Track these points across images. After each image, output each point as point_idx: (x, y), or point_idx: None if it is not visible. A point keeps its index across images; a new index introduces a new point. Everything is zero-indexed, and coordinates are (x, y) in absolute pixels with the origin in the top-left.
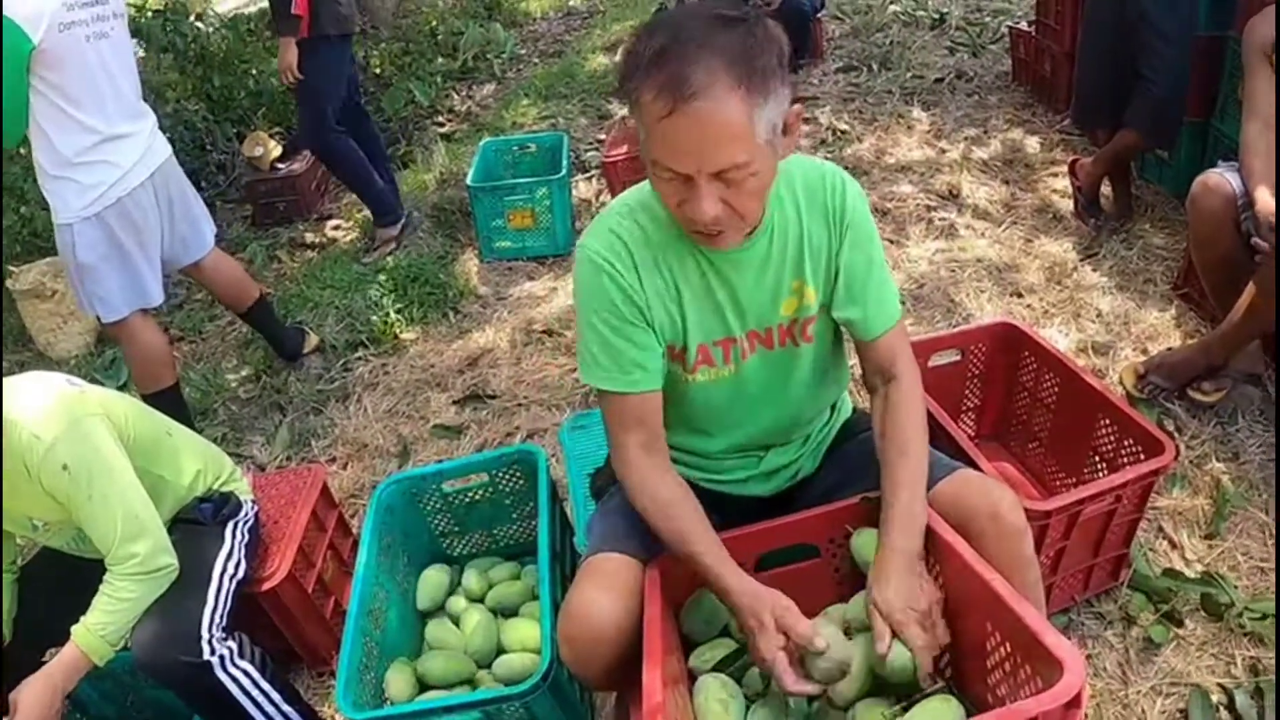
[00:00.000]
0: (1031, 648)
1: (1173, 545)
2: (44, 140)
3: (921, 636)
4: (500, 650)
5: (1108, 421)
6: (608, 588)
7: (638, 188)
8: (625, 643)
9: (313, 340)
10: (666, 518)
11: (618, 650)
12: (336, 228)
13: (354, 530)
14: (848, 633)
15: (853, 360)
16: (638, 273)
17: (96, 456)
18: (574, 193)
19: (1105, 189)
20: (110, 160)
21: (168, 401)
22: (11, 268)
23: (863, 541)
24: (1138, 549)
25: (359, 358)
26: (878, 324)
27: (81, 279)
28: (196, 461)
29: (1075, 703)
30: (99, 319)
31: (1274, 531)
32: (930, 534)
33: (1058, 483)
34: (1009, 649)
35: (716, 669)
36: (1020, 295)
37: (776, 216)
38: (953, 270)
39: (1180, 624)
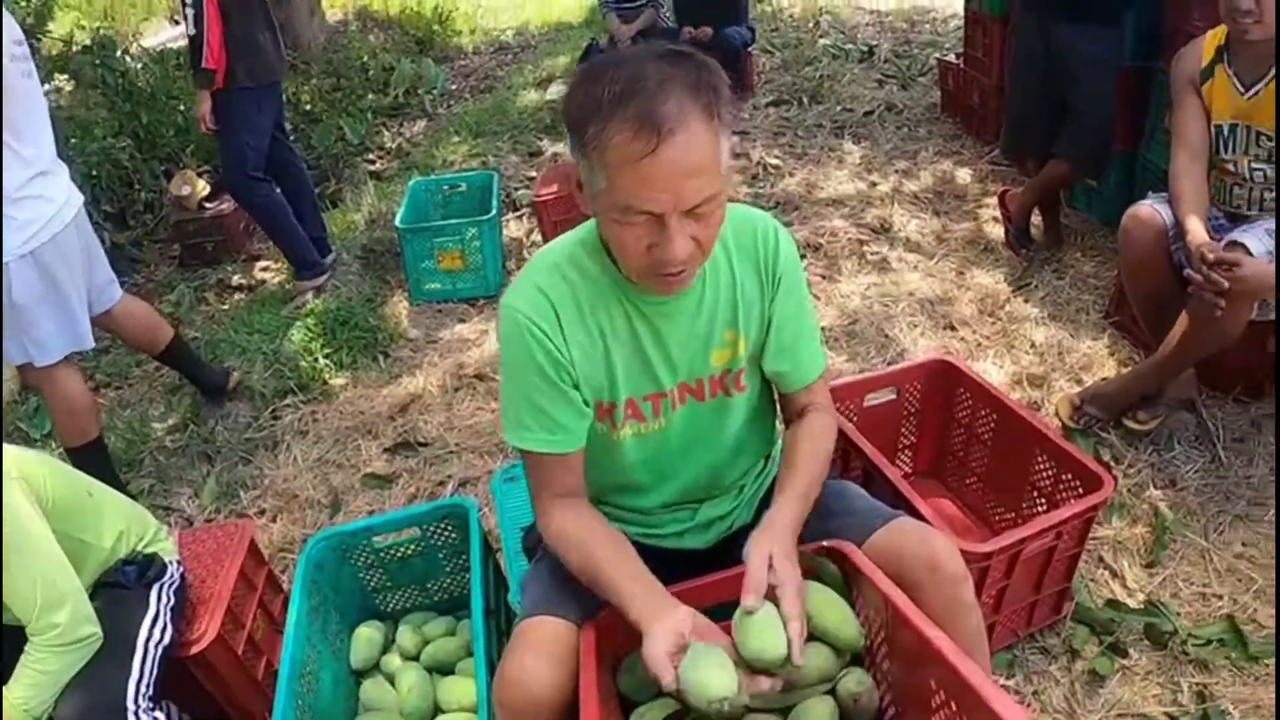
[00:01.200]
0: (977, 709)
1: (1114, 575)
2: None
3: (797, 605)
4: (437, 709)
5: (1044, 457)
6: (543, 653)
7: (563, 238)
8: (563, 707)
9: (235, 378)
10: (577, 549)
11: (556, 716)
12: (265, 269)
13: (284, 586)
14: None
15: None
16: (563, 333)
17: (13, 525)
18: (505, 232)
19: (1035, 219)
20: (45, 195)
21: (92, 455)
22: None
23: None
24: (1079, 581)
25: (288, 405)
26: (806, 376)
27: (17, 323)
28: (119, 522)
29: None
30: (29, 365)
31: (1212, 559)
32: (868, 585)
33: (997, 517)
34: (954, 708)
35: None
36: (954, 328)
37: (708, 264)
38: (886, 305)
39: (1125, 654)
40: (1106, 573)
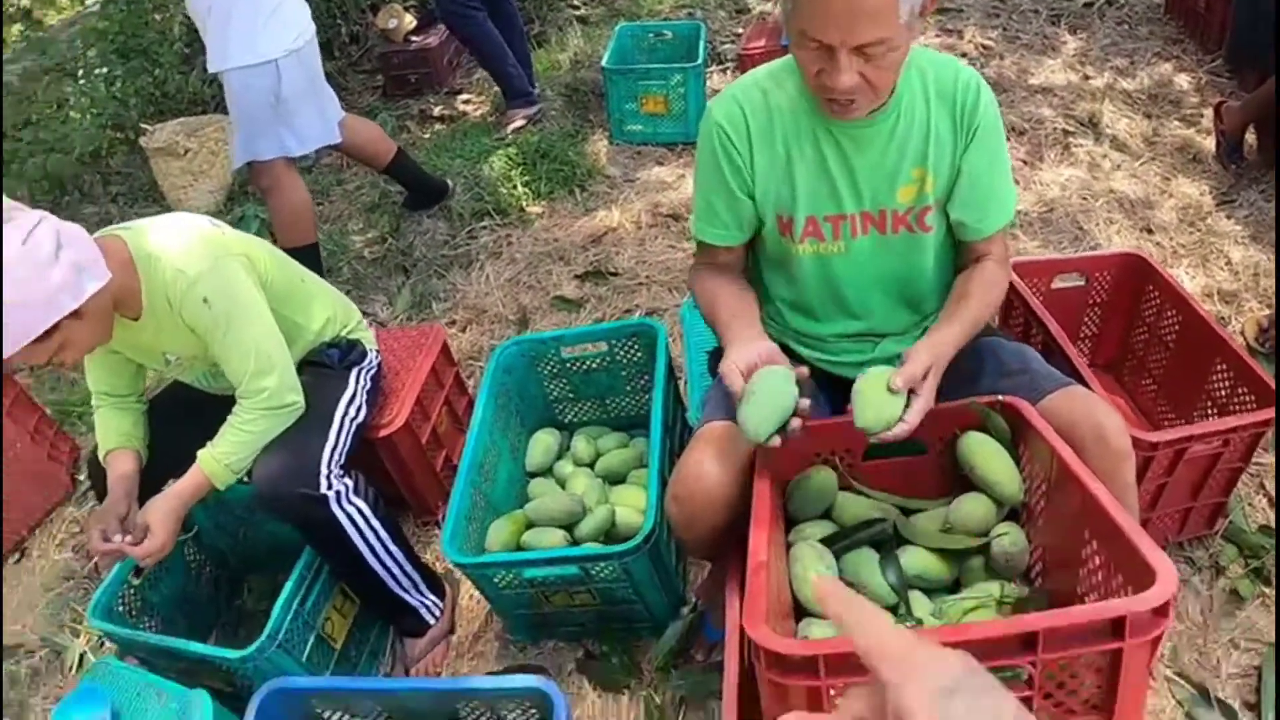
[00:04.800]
0: (1127, 557)
1: (1271, 503)
2: None
3: (927, 398)
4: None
5: (1224, 367)
6: (719, 454)
7: (773, 62)
8: (731, 510)
9: (453, 188)
10: (708, 293)
11: (723, 516)
12: (467, 102)
13: (469, 390)
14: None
15: None
16: (750, 144)
17: (236, 294)
18: (708, 83)
19: (1250, 136)
20: (300, 8)
21: (307, 258)
22: (145, 125)
23: (969, 446)
24: (1236, 501)
25: (484, 226)
26: (986, 229)
27: (283, 117)
28: (327, 309)
29: (1163, 611)
30: (263, 169)
31: None
32: (1036, 441)
33: (1166, 424)
34: (1104, 558)
35: None
36: (1150, 232)
37: (905, 101)
38: (1084, 199)
39: (1268, 582)
40: (1265, 499)
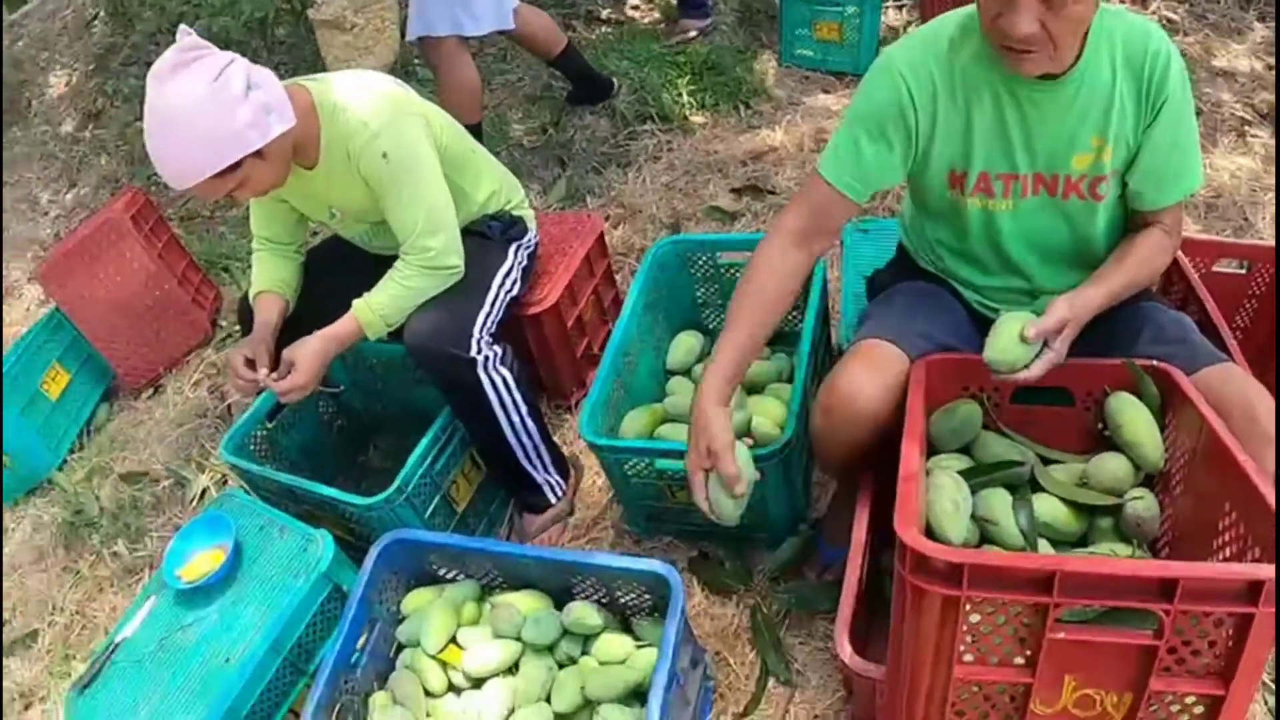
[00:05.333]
0: (1266, 531)
1: None
2: None
3: (1059, 351)
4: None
5: None
6: (874, 370)
7: (957, 12)
8: (876, 427)
9: (618, 87)
10: (742, 288)
11: (868, 431)
12: (635, 7)
13: (618, 285)
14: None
15: None
16: (934, 96)
17: (414, 151)
18: (883, 19)
19: None
20: None
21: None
22: None
23: (1117, 405)
24: None
25: (645, 130)
26: (1163, 200)
27: None
28: (493, 182)
29: None
30: (436, 45)
31: None
32: (1186, 410)
33: None
34: (1241, 531)
35: None
36: None
37: (1090, 68)
38: (1253, 190)
39: None
40: None
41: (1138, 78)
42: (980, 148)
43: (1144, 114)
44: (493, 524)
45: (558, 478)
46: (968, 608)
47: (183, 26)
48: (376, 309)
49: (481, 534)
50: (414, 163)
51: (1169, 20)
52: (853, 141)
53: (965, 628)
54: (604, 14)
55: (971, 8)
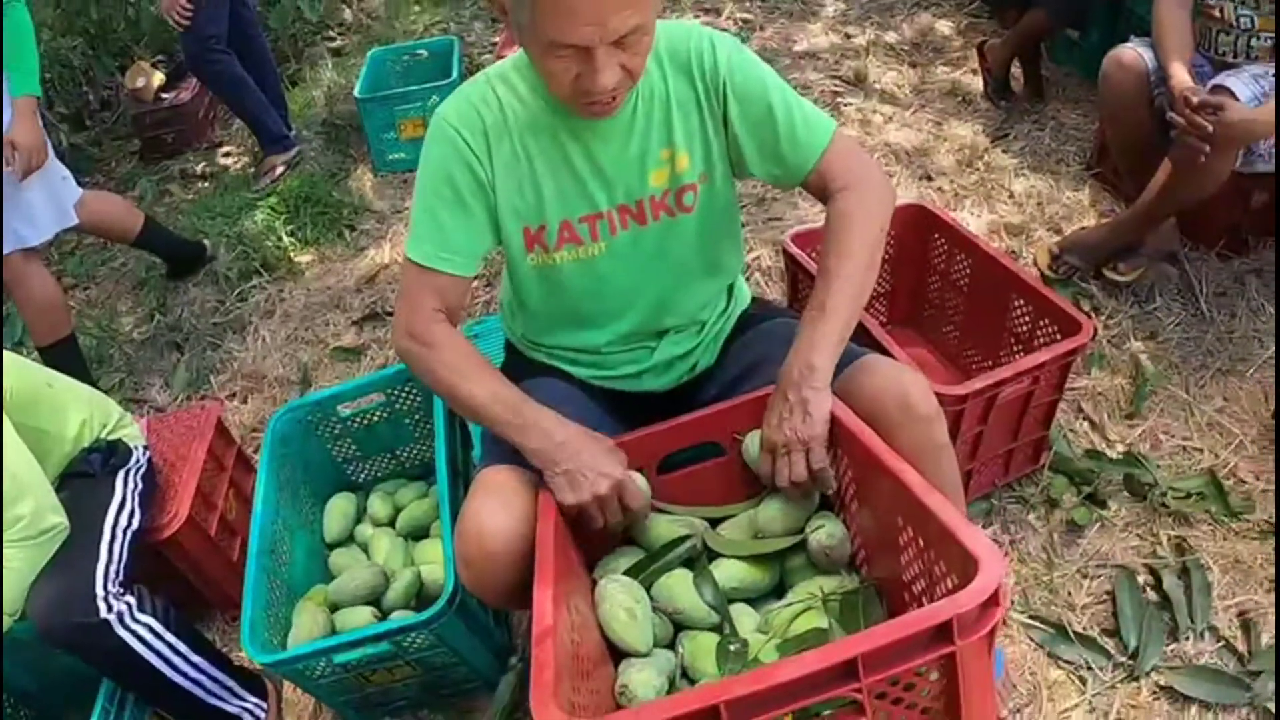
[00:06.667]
0: (946, 544)
1: (1093, 426)
2: None
3: (798, 466)
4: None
5: (1022, 302)
6: (500, 504)
7: (499, 63)
8: (522, 559)
9: (210, 245)
10: (458, 377)
11: (515, 567)
12: (227, 154)
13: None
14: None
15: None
16: (488, 142)
17: None
18: None
19: (1016, 71)
20: None
21: (64, 352)
22: None
23: (753, 444)
24: (1057, 431)
25: (254, 286)
26: (805, 163)
27: (10, 204)
28: (81, 411)
29: (993, 601)
30: (16, 253)
31: (1192, 413)
32: (835, 423)
33: (974, 366)
34: (922, 544)
35: None
36: (930, 179)
37: (643, 85)
38: None
39: (1103, 505)
40: (1086, 424)
41: (689, 75)
42: (552, 193)
43: (713, 106)
44: None
45: (253, 700)
46: None
47: None
48: None
49: None
50: None
51: (745, 20)
52: (433, 220)
53: None
54: (198, 169)
55: (512, 57)
